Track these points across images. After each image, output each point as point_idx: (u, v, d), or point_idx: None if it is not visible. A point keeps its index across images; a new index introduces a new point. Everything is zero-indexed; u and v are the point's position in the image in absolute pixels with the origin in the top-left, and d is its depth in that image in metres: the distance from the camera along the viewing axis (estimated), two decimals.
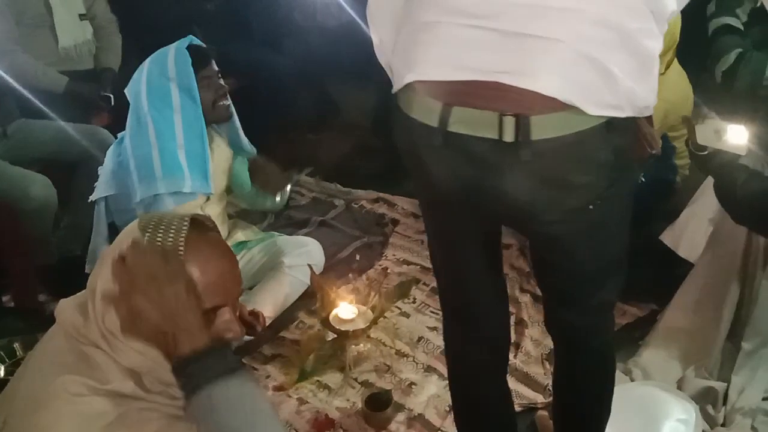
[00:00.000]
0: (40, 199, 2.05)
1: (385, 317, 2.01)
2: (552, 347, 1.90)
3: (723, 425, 1.65)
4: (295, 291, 2.05)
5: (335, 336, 1.86)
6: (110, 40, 2.66)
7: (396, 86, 1.03)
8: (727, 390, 1.70)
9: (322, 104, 3.38)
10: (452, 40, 0.91)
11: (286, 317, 2.04)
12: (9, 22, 2.32)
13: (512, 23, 0.87)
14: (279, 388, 1.81)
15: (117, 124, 2.00)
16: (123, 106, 1.89)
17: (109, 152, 1.89)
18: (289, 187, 2.07)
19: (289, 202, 2.79)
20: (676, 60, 2.06)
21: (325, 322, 1.84)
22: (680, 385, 1.73)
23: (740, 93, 2.14)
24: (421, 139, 0.99)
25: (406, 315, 2.09)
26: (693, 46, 2.07)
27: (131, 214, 1.73)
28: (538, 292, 2.10)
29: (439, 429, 1.69)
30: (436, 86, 0.94)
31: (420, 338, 1.99)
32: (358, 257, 2.29)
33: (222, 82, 1.89)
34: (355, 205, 2.71)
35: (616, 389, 1.66)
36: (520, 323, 2.01)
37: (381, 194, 2.77)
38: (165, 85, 1.79)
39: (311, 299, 2.00)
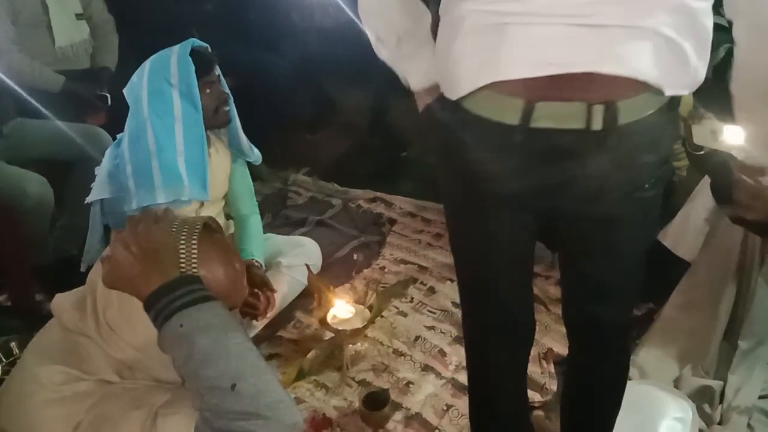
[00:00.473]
0: (37, 198, 2.04)
1: (382, 316, 2.01)
2: (548, 347, 1.93)
3: (720, 423, 1.65)
4: (293, 291, 2.05)
5: (332, 335, 1.86)
6: (107, 39, 2.65)
7: (457, 90, 1.00)
8: (723, 389, 1.71)
9: (320, 104, 3.39)
10: (532, 38, 0.92)
11: (283, 317, 2.04)
12: (5, 21, 2.31)
13: (595, 17, 0.89)
14: None
15: (114, 124, 1.99)
16: (120, 105, 1.87)
17: (107, 154, 1.87)
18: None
19: (287, 202, 2.79)
20: None
21: (323, 322, 1.84)
22: (677, 384, 1.74)
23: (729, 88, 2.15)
24: (494, 137, 0.98)
25: (404, 314, 2.09)
26: None
27: (125, 217, 1.71)
28: (534, 290, 2.14)
29: (436, 428, 1.69)
30: (516, 84, 0.93)
31: (417, 337, 1.99)
32: (355, 257, 2.29)
33: (224, 88, 1.86)
34: (353, 205, 2.71)
35: None
36: None
37: (378, 194, 2.78)
38: (167, 91, 1.75)
39: (308, 299, 2.00)
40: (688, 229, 1.91)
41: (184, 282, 0.86)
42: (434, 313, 2.10)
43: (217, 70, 1.85)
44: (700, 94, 2.07)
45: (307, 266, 2.01)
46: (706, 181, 1.75)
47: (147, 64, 1.80)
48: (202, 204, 1.87)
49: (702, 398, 1.69)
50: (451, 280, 2.23)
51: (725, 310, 1.76)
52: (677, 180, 2.29)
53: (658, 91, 0.95)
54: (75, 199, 2.08)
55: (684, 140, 1.68)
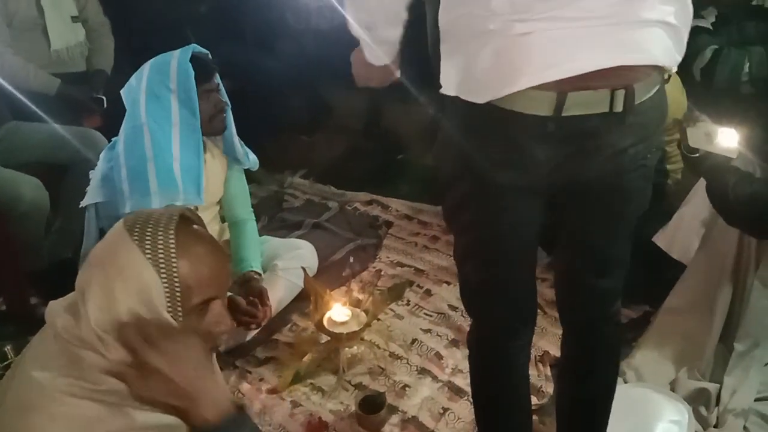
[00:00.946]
0: (32, 201, 2.04)
1: (378, 319, 2.01)
2: (544, 350, 1.93)
3: (716, 426, 1.65)
4: (289, 294, 2.04)
5: (329, 338, 1.85)
6: (102, 42, 2.65)
7: (488, 95, 1.04)
8: (719, 391, 1.71)
9: (316, 106, 3.38)
10: (560, 42, 1.00)
11: (279, 320, 2.04)
12: (0, 24, 2.31)
13: (614, 17, 1.00)
14: (272, 391, 1.81)
15: (110, 127, 1.99)
16: (116, 108, 1.87)
17: (102, 157, 1.86)
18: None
19: (283, 204, 2.79)
20: None
21: (319, 325, 1.84)
22: (673, 387, 1.74)
23: (719, 90, 2.16)
24: (527, 129, 1.05)
25: (400, 317, 2.09)
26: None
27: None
28: None
29: (432, 431, 1.69)
30: (549, 82, 1.01)
31: (414, 340, 1.99)
32: (351, 259, 2.29)
33: (222, 96, 1.86)
34: (349, 207, 2.71)
35: None
36: None
37: (375, 196, 2.78)
38: (165, 97, 1.75)
39: (305, 302, 1.99)
40: (684, 231, 1.91)
41: (239, 418, 0.88)
42: (431, 316, 2.10)
43: (217, 78, 1.85)
44: (699, 100, 2.09)
45: (304, 269, 2.01)
46: (702, 183, 1.75)
47: (146, 68, 1.79)
48: (196, 209, 1.86)
49: (698, 401, 1.69)
50: (448, 283, 2.23)
51: (721, 313, 1.76)
52: (672, 182, 2.30)
53: (662, 70, 1.09)
54: (70, 203, 2.07)
55: (679, 142, 1.68)
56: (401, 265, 2.36)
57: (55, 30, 2.46)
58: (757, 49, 2.11)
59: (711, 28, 2.22)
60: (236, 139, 1.95)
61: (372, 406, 1.68)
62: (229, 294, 1.85)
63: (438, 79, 1.14)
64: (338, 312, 1.84)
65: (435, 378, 1.85)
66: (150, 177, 1.72)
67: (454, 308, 2.11)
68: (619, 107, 1.03)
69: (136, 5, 2.82)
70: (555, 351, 1.88)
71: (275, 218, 2.63)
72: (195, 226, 1.00)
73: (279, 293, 1.98)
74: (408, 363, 1.90)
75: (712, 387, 1.70)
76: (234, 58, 2.79)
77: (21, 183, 2.05)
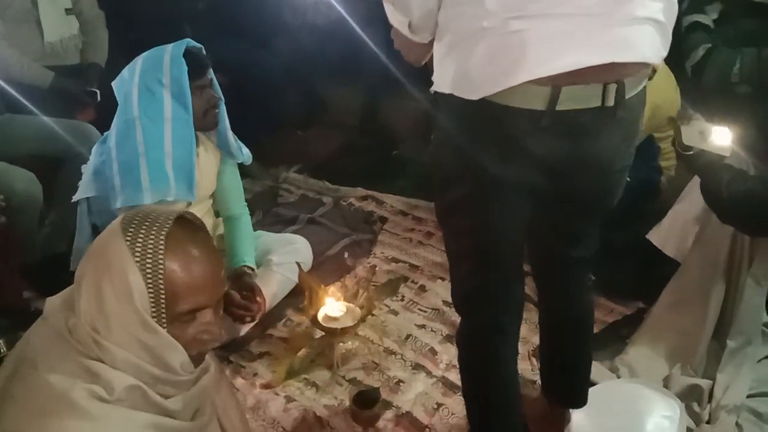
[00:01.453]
0: (25, 195, 2.02)
1: (373, 315, 2.01)
2: (537, 345, 1.94)
3: (708, 422, 1.66)
4: (283, 289, 2.04)
5: (323, 334, 1.85)
6: (97, 35, 2.64)
7: (483, 91, 1.05)
8: (712, 387, 1.71)
9: (311, 101, 3.38)
10: (555, 39, 1.02)
11: (274, 315, 2.03)
12: None
13: (606, 16, 1.03)
14: (266, 386, 1.81)
15: (103, 120, 1.97)
16: (110, 101, 1.85)
17: (93, 151, 1.84)
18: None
19: (278, 199, 2.78)
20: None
21: (313, 320, 1.84)
22: (666, 383, 1.75)
23: (708, 88, 2.17)
24: (522, 124, 1.06)
25: (395, 313, 2.09)
26: (678, 47, 2.09)
27: (112, 216, 1.69)
28: (525, 290, 2.14)
29: (426, 427, 1.69)
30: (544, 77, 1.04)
31: (408, 336, 1.99)
32: (346, 255, 2.29)
33: (215, 92, 1.85)
34: (344, 203, 2.71)
35: (603, 386, 1.68)
36: None
37: (370, 192, 2.77)
38: (158, 91, 1.73)
39: (299, 297, 1.99)
40: (678, 228, 1.92)
41: None
42: (425, 311, 2.10)
43: (211, 74, 1.83)
44: (694, 97, 2.09)
45: (298, 264, 2.00)
46: (696, 180, 1.76)
47: (139, 61, 1.78)
48: (189, 203, 1.86)
49: (691, 397, 1.70)
50: (442, 279, 2.23)
51: (714, 310, 1.77)
52: (666, 179, 2.31)
53: (649, 67, 1.12)
54: (64, 196, 2.06)
55: (673, 140, 1.69)
56: (396, 260, 2.36)
57: (49, 22, 2.44)
58: (750, 50, 2.11)
59: (711, 25, 2.21)
60: (230, 134, 1.94)
61: (366, 401, 1.69)
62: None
63: (430, 77, 1.15)
64: (333, 307, 1.84)
65: (429, 373, 1.85)
66: (142, 172, 1.72)
67: (448, 304, 2.11)
68: (610, 101, 1.06)
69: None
70: None
71: (270, 213, 2.62)
72: (192, 230, 0.98)
73: (273, 288, 1.98)
74: (402, 358, 1.91)
75: (704, 383, 1.71)
76: (230, 53, 2.78)
77: (13, 176, 2.04)
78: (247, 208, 2.09)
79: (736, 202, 1.59)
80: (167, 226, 0.94)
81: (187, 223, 0.98)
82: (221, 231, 2.07)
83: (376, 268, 2.30)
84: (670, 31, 1.11)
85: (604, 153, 1.13)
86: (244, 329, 1.93)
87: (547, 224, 1.31)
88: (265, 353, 1.93)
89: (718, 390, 1.69)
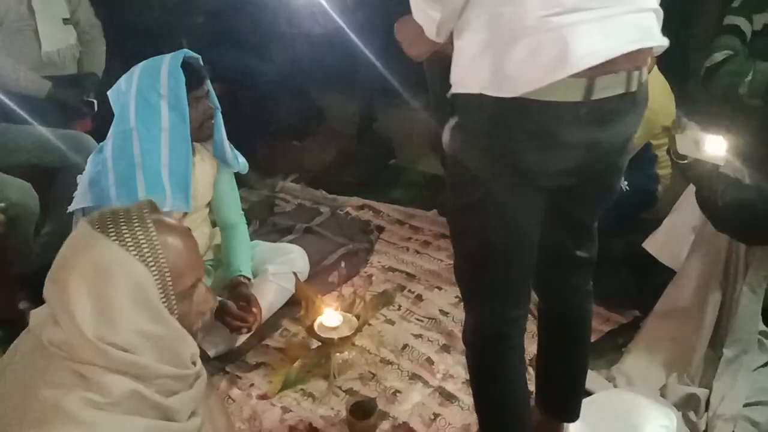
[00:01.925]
0: (20, 205, 2.02)
1: (369, 325, 2.01)
2: (535, 353, 1.93)
3: (705, 431, 1.66)
4: (280, 298, 2.03)
5: (320, 344, 1.85)
6: (94, 44, 2.64)
7: (521, 88, 1.07)
8: (709, 397, 1.71)
9: (308, 111, 3.39)
10: (591, 30, 1.07)
11: (270, 325, 2.03)
12: None
13: (630, 4, 1.10)
14: (263, 397, 1.80)
15: (100, 130, 1.97)
16: (107, 112, 1.85)
17: (89, 161, 1.84)
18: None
19: (274, 209, 2.79)
20: (657, 69, 2.08)
21: (310, 330, 1.84)
22: (663, 392, 1.74)
23: (716, 94, 2.16)
24: (560, 117, 1.10)
25: (391, 322, 2.09)
26: (674, 55, 2.09)
27: None
28: None
29: None
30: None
31: (405, 346, 1.98)
32: (343, 264, 2.28)
33: (212, 102, 1.85)
34: (341, 212, 2.71)
35: (599, 395, 1.67)
36: None
37: (366, 201, 2.78)
38: (156, 102, 1.73)
39: (296, 307, 1.99)
40: (674, 237, 1.92)
41: None
42: (422, 321, 2.10)
43: (208, 84, 1.84)
44: (689, 106, 2.09)
45: (295, 274, 2.00)
46: (691, 189, 1.77)
47: (136, 71, 1.78)
48: (184, 213, 1.86)
49: (687, 406, 1.70)
50: (439, 288, 2.23)
51: (710, 318, 1.77)
52: (662, 188, 2.31)
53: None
54: (60, 207, 2.06)
55: (668, 149, 1.70)
56: (393, 270, 2.36)
57: (47, 32, 2.45)
58: (765, 65, 2.06)
59: (748, 33, 2.16)
60: (226, 143, 1.95)
61: (363, 411, 1.68)
62: (219, 299, 1.86)
63: (438, 83, 1.16)
64: (329, 317, 1.84)
65: (426, 383, 1.84)
66: (138, 182, 1.72)
67: (445, 313, 2.11)
68: (633, 87, 1.13)
69: (129, 8, 2.81)
70: None
71: (266, 223, 2.62)
72: (160, 212, 1.04)
73: (269, 298, 1.98)
74: (399, 368, 1.90)
75: (701, 392, 1.71)
76: (226, 62, 2.80)
77: (9, 186, 2.03)
78: (243, 217, 2.09)
79: (732, 211, 1.60)
80: (146, 213, 0.98)
81: (154, 207, 1.04)
82: (218, 240, 2.07)
83: (373, 278, 2.30)
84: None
85: (623, 135, 1.20)
86: (240, 339, 1.93)
87: (559, 218, 1.31)
88: (262, 363, 1.92)
89: (715, 399, 1.69)
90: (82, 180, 1.83)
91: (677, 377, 1.77)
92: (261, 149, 3.00)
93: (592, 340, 1.73)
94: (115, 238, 0.94)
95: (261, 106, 2.92)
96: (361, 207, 2.75)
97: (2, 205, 1.84)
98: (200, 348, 1.12)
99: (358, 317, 1.88)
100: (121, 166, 1.72)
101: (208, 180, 1.96)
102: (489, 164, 1.16)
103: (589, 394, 1.60)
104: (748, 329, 1.76)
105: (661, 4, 1.16)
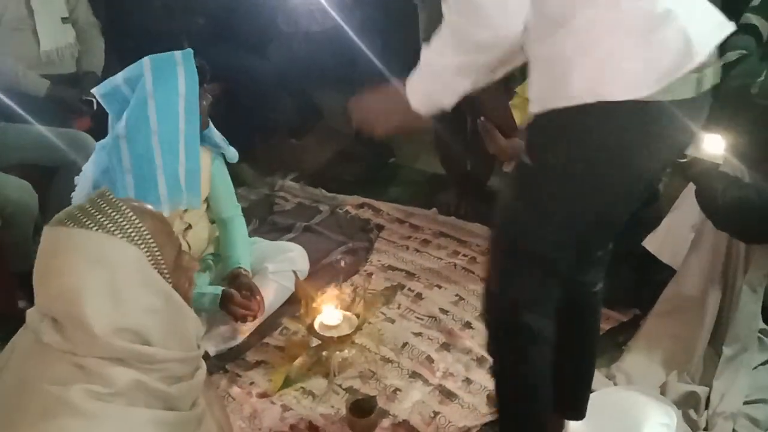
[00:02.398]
0: (19, 204, 2.02)
1: (369, 323, 2.01)
2: None
3: (705, 429, 1.66)
4: (280, 297, 2.04)
5: (320, 342, 1.85)
6: (93, 43, 2.63)
7: (647, 87, 1.02)
8: (709, 394, 1.72)
9: (307, 109, 3.38)
10: (692, 19, 1.04)
11: (270, 324, 2.03)
12: None
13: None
14: (263, 395, 1.80)
15: (99, 129, 1.97)
16: (106, 110, 1.86)
17: (92, 161, 1.82)
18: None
19: (274, 208, 2.78)
20: None
21: (310, 329, 1.84)
22: (663, 390, 1.75)
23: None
24: (677, 114, 1.06)
25: (391, 321, 2.09)
26: None
27: None
28: None
29: None
30: None
31: (405, 344, 1.98)
32: (342, 263, 2.28)
33: (207, 95, 1.88)
34: (340, 211, 2.70)
35: (600, 393, 1.68)
36: None
37: (366, 200, 2.77)
38: (174, 103, 1.74)
39: (295, 305, 1.99)
40: (674, 235, 1.92)
41: None
42: (422, 319, 2.10)
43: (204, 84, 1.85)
44: None
45: (294, 272, 2.00)
46: (691, 187, 1.76)
47: (147, 72, 1.74)
48: (185, 210, 1.87)
49: (688, 404, 1.70)
50: (439, 287, 2.23)
51: (710, 317, 1.77)
52: (662, 186, 2.31)
53: None
54: (60, 205, 2.03)
55: None
56: (392, 268, 2.36)
57: (45, 31, 2.44)
58: None
59: (765, 33, 2.15)
60: (213, 129, 1.96)
61: (363, 409, 1.68)
62: (222, 288, 1.89)
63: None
64: (329, 315, 1.84)
65: (426, 381, 1.84)
66: (160, 185, 1.74)
67: (445, 312, 2.11)
68: (716, 80, 1.10)
69: (128, 6, 2.80)
70: None
71: (266, 221, 2.62)
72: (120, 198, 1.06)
73: (269, 296, 1.98)
74: (399, 366, 1.90)
75: (701, 390, 1.71)
76: (225, 61, 2.78)
77: (7, 185, 2.03)
78: (239, 209, 2.09)
79: (731, 210, 1.60)
80: (113, 198, 1.01)
81: (109, 193, 1.06)
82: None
83: (373, 276, 2.30)
84: None
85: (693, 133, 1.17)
86: (241, 337, 1.93)
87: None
88: (262, 362, 1.92)
89: (715, 397, 1.70)
90: (82, 181, 1.82)
91: (677, 375, 1.77)
92: (260, 148, 3.00)
93: None
94: (96, 228, 0.95)
95: (259, 104, 2.91)
96: (361, 205, 2.75)
97: None
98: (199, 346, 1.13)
99: (357, 316, 1.88)
100: (142, 169, 1.73)
101: (206, 173, 1.96)
102: (591, 177, 1.11)
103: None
104: (748, 327, 1.76)
105: None
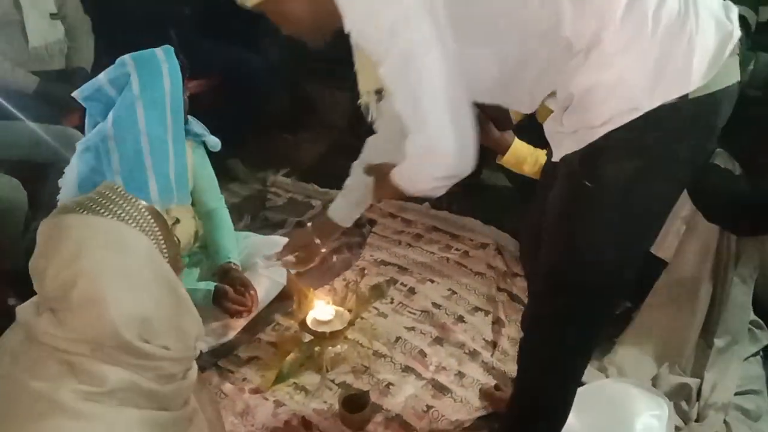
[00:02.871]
0: (8, 201, 2.01)
1: (362, 318, 2.01)
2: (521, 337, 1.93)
3: (697, 420, 1.67)
4: (271, 292, 2.03)
5: (312, 337, 1.85)
6: (82, 39, 2.62)
7: (707, 73, 1.04)
8: (700, 386, 1.73)
9: (299, 104, 3.37)
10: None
11: (262, 319, 2.02)
12: None
13: None
14: (255, 391, 1.80)
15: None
16: None
17: (77, 159, 1.80)
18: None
19: (266, 203, 2.78)
20: None
21: (302, 324, 1.83)
22: (655, 382, 1.75)
23: None
24: (725, 102, 1.08)
25: (384, 315, 2.09)
26: None
27: None
28: (515, 290, 2.14)
29: (416, 430, 1.69)
30: None
31: (397, 339, 1.98)
32: (335, 258, 2.28)
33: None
34: None
35: (592, 386, 1.68)
36: (498, 322, 2.02)
37: None
38: (161, 100, 1.74)
39: (288, 301, 1.98)
40: (666, 228, 1.92)
41: None
42: (414, 314, 2.10)
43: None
44: None
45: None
46: None
47: (133, 72, 1.74)
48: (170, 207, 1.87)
49: (679, 396, 1.71)
50: (431, 281, 2.23)
51: (701, 309, 1.78)
52: None
53: None
54: (49, 202, 2.04)
55: None
56: (385, 263, 2.35)
57: (34, 27, 2.42)
58: (766, 56, 2.05)
59: (753, 25, 2.14)
60: (192, 119, 1.95)
61: (356, 404, 1.68)
62: (215, 284, 1.89)
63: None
64: (322, 311, 1.84)
65: (419, 376, 1.84)
66: (150, 185, 1.74)
67: (437, 306, 2.11)
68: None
69: (119, 3, 2.78)
70: None
71: (258, 217, 2.61)
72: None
73: (261, 291, 1.97)
74: (392, 361, 1.90)
75: (693, 382, 1.72)
76: (216, 55, 2.78)
77: None
78: (223, 201, 2.09)
79: (723, 202, 1.60)
80: (123, 191, 1.02)
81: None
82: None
83: (365, 271, 2.30)
84: None
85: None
86: (233, 332, 1.92)
87: None
88: (254, 358, 1.92)
89: (706, 388, 1.70)
90: (67, 181, 1.80)
91: (669, 367, 1.77)
92: (252, 143, 2.99)
93: None
94: (110, 215, 0.95)
95: (251, 99, 2.90)
96: None
97: None
98: None
99: (350, 311, 1.88)
100: (132, 171, 1.73)
101: (189, 166, 1.96)
102: (670, 178, 1.12)
103: (581, 385, 1.60)
104: (739, 319, 1.77)
105: None
